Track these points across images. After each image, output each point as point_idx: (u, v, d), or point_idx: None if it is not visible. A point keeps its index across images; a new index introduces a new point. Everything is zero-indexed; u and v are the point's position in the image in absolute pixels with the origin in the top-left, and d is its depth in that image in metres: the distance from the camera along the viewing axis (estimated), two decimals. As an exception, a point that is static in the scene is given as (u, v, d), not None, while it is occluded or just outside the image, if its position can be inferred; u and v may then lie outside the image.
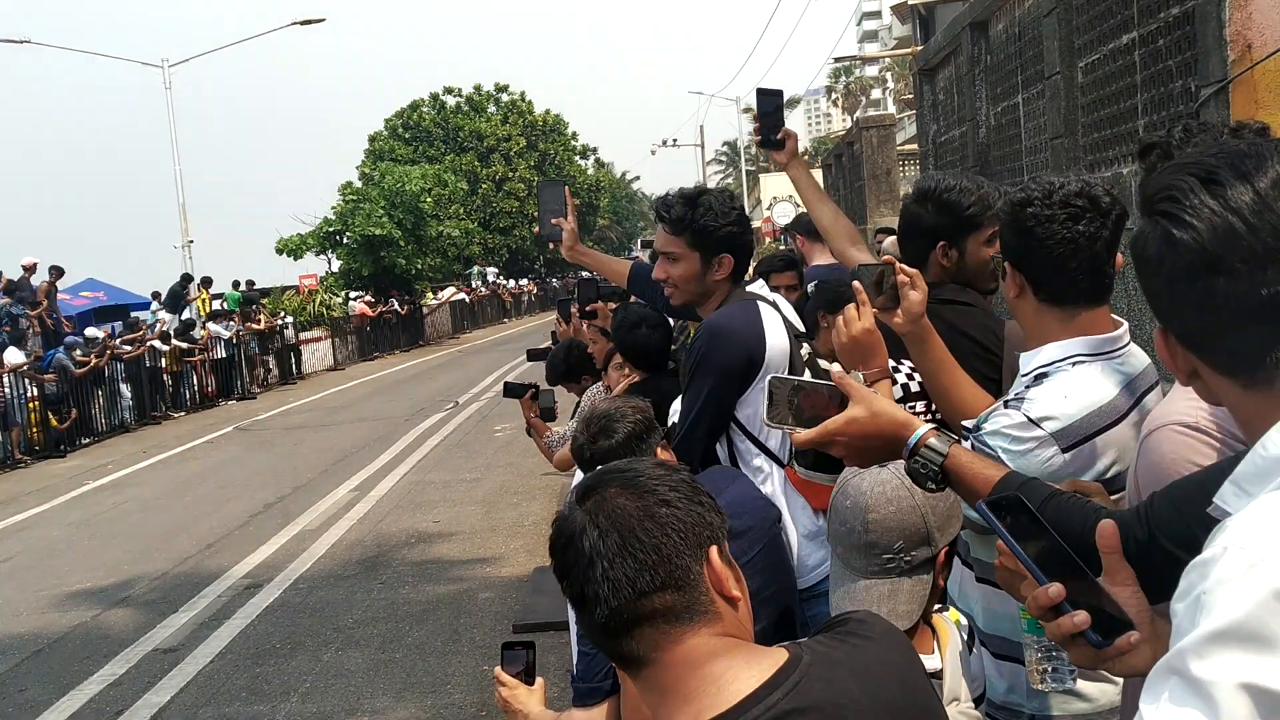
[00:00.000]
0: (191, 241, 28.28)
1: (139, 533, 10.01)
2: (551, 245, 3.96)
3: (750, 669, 1.31)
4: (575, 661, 2.71)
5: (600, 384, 5.13)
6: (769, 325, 3.00)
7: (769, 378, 1.87)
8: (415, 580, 7.75)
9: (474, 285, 41.69)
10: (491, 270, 46.33)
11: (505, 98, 55.14)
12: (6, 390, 15.03)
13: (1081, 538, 1.52)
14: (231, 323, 21.91)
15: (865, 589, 1.87)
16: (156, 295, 23.29)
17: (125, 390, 18.07)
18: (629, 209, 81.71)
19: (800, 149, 3.52)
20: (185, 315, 21.81)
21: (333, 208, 33.35)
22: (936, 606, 2.02)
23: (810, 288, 4.86)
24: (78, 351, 16.72)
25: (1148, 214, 1.19)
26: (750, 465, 2.98)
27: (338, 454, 13.32)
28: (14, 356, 15.50)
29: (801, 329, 3.25)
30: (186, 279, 23.67)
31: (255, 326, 22.60)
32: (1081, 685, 2.12)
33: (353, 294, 30.62)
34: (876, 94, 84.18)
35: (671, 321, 4.61)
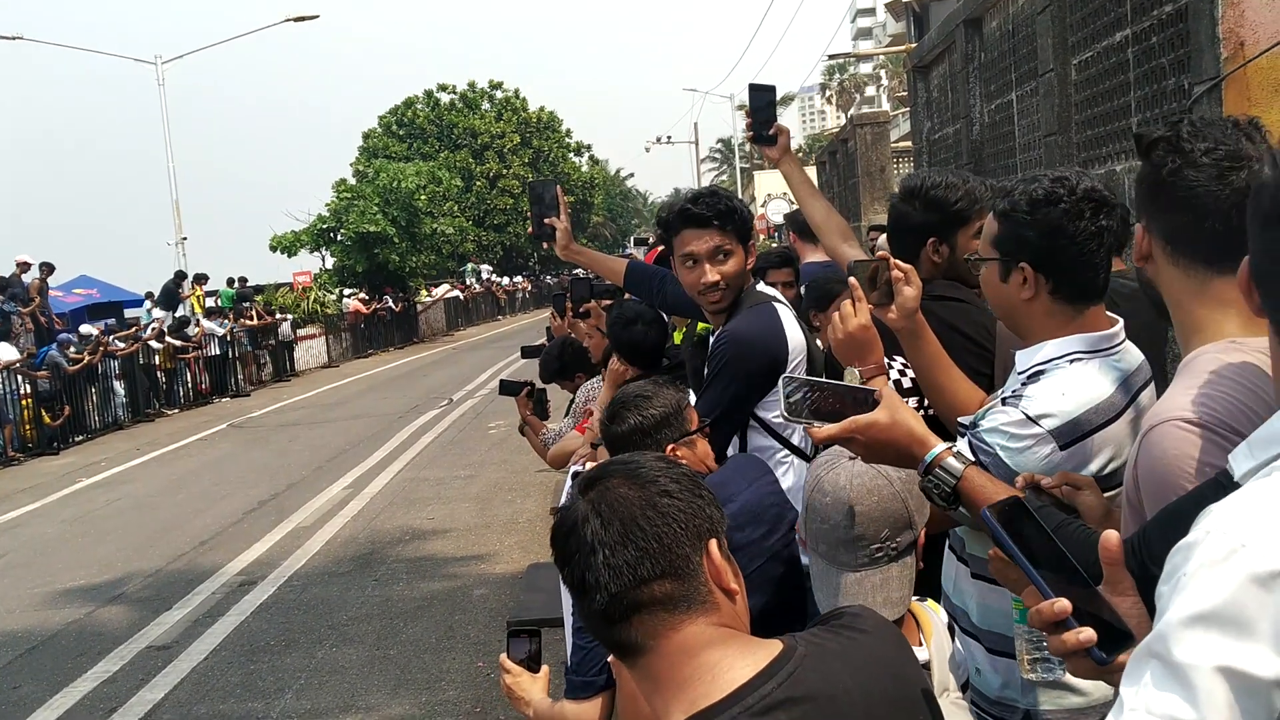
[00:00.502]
0: (185, 239, 28.22)
1: (132, 530, 9.99)
2: (545, 244, 3.95)
3: (745, 658, 1.33)
4: (570, 654, 2.71)
5: (595, 380, 5.13)
6: (788, 327, 3.04)
7: (783, 376, 1.89)
8: (409, 577, 7.75)
9: (468, 282, 41.65)
10: (485, 267, 46.31)
11: (499, 95, 55.11)
12: (-1, 387, 15.00)
13: (1083, 565, 1.56)
14: (226, 320, 21.87)
15: (857, 582, 1.87)
16: (150, 295, 23.23)
17: (119, 387, 18.04)
18: (623, 206, 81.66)
19: (794, 146, 3.52)
20: (179, 312, 21.76)
21: (327, 205, 33.32)
22: (914, 596, 2.03)
23: (803, 288, 4.87)
24: (71, 349, 16.69)
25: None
26: (770, 460, 2.97)
27: (332, 451, 13.31)
28: (7, 353, 15.46)
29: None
30: (180, 276, 23.62)
31: (249, 323, 22.55)
32: (1076, 679, 2.12)
33: (347, 291, 30.58)
34: (870, 91, 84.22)
35: (665, 318, 4.60)
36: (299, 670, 6.09)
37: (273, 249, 32.48)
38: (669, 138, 64.62)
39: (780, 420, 2.95)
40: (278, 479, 11.77)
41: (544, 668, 2.37)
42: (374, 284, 31.74)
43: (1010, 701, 2.19)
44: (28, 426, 15.52)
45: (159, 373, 19.45)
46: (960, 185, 2.75)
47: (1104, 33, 5.72)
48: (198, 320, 21.50)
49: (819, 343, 3.38)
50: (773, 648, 1.36)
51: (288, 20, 28.75)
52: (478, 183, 51.61)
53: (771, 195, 27.03)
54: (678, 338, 4.80)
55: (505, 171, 52.43)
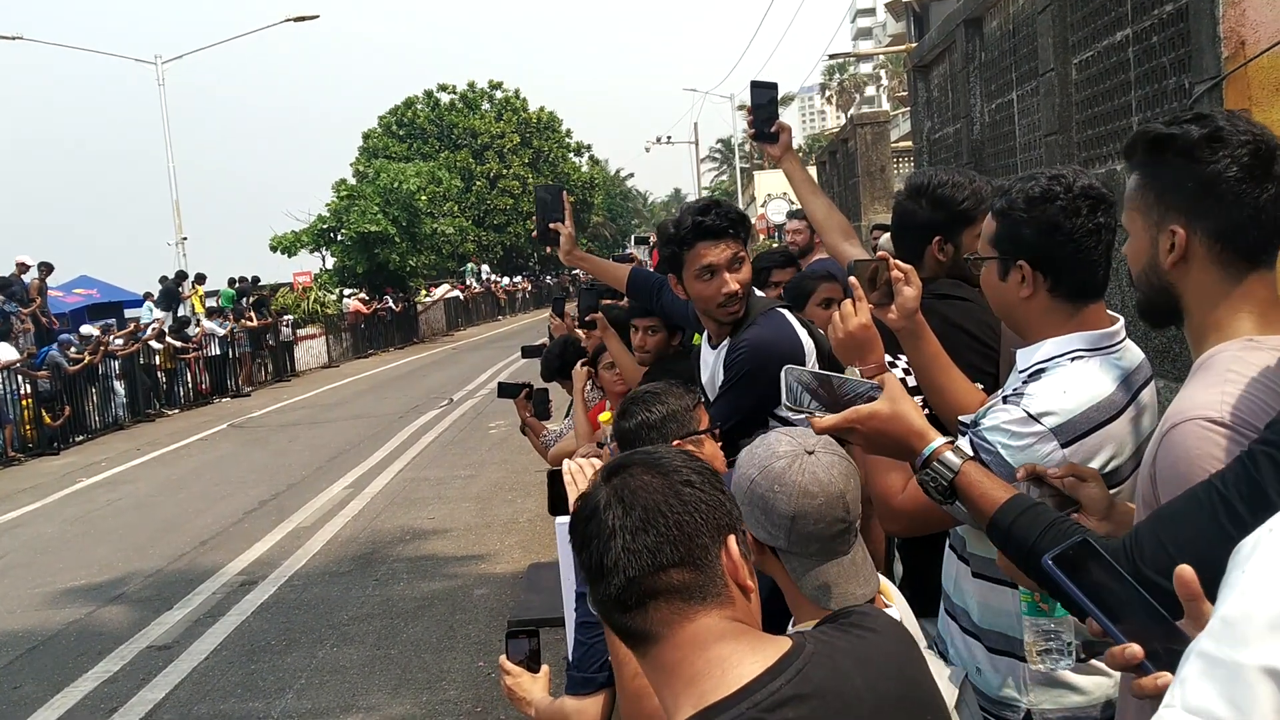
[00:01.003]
0: (185, 239, 28.23)
1: (133, 530, 9.99)
2: (549, 249, 3.96)
3: (755, 654, 1.33)
4: (571, 651, 2.71)
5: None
6: (801, 333, 3.07)
7: (786, 368, 1.89)
8: (410, 577, 7.75)
9: (468, 282, 41.65)
10: (485, 267, 46.30)
11: (499, 95, 55.11)
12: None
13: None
14: (226, 320, 21.87)
15: (851, 563, 1.86)
16: (150, 295, 23.24)
17: (119, 387, 18.04)
18: (623, 206, 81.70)
19: (794, 146, 3.52)
20: (180, 312, 21.77)
21: (327, 205, 33.34)
22: None
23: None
24: (72, 349, 16.69)
25: None
26: None
27: (332, 451, 13.31)
28: (7, 353, 15.46)
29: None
30: (181, 276, 23.62)
31: (250, 324, 22.56)
32: (1075, 678, 2.13)
33: (347, 291, 30.58)
34: (870, 91, 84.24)
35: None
36: (299, 670, 6.09)
37: (273, 249, 32.51)
38: (669, 138, 64.71)
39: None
40: (278, 479, 11.77)
41: (544, 667, 2.37)
42: (374, 284, 31.75)
43: (1011, 701, 2.19)
44: (28, 426, 15.52)
45: (159, 373, 19.45)
46: (967, 184, 2.75)
47: (1104, 32, 5.72)
48: (198, 320, 21.51)
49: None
50: (782, 644, 1.36)
51: (288, 20, 28.76)
52: (478, 183, 51.61)
53: (771, 195, 27.04)
54: (698, 340, 4.80)
55: (505, 172, 52.42)
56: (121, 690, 6.02)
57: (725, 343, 3.18)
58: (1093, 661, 2.09)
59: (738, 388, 3.03)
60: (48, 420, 15.78)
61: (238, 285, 25.39)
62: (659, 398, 2.57)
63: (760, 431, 2.06)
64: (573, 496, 2.08)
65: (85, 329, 17.95)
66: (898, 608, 1.90)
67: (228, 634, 6.80)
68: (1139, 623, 1.25)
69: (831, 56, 64.98)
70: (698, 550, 1.35)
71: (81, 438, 16.56)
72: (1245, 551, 1.02)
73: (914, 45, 15.46)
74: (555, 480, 2.16)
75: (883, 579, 1.99)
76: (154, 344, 19.09)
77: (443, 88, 54.34)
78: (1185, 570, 1.23)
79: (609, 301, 4.60)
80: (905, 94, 21.30)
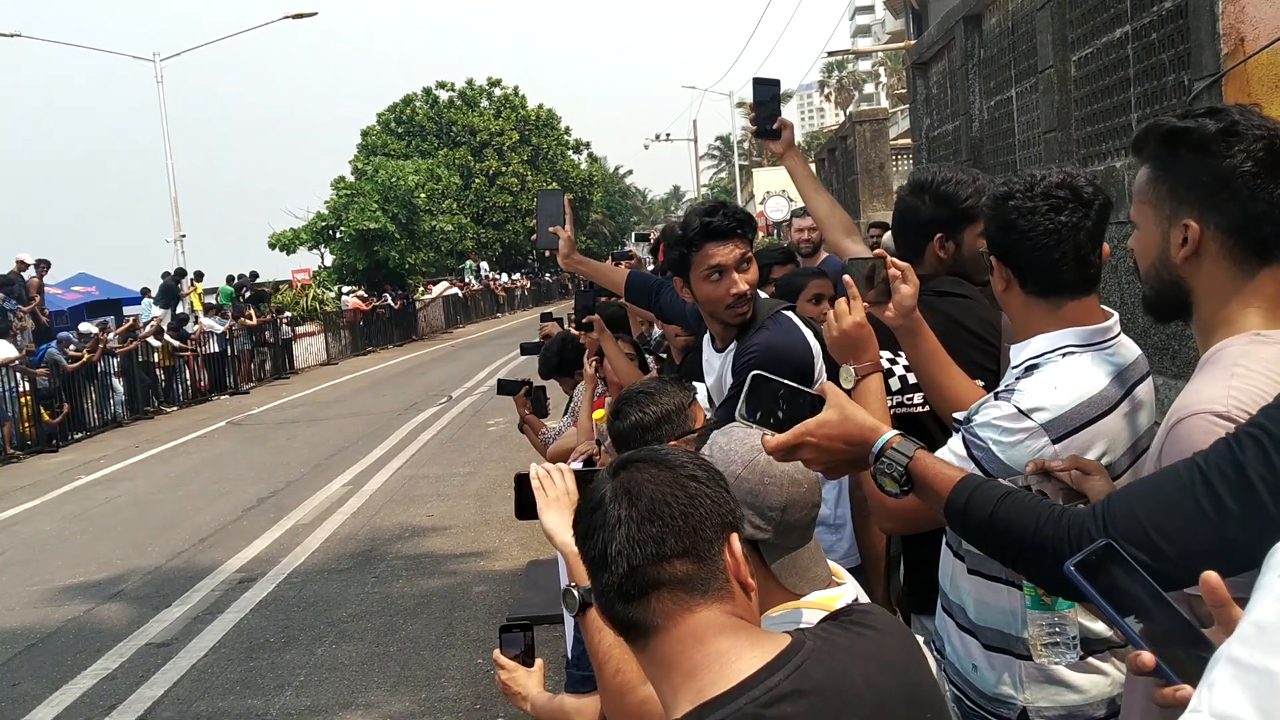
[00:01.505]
0: (184, 236, 28.22)
1: (132, 527, 9.99)
2: (548, 253, 3.97)
3: (754, 649, 1.33)
4: (570, 648, 2.71)
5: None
6: (808, 335, 3.07)
7: (754, 374, 1.87)
8: (409, 574, 7.75)
9: (467, 280, 41.64)
10: (484, 265, 46.29)
11: (498, 92, 55.08)
12: (-2, 385, 14.99)
13: (1036, 534, 1.54)
14: (224, 318, 21.87)
15: (811, 550, 1.88)
16: (146, 291, 23.22)
17: (118, 385, 18.04)
18: (622, 204, 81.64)
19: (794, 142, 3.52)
20: (179, 310, 21.76)
21: (326, 202, 33.33)
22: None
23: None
24: (71, 347, 16.69)
25: None
26: None
27: (331, 448, 13.31)
28: (5, 351, 15.45)
29: None
30: (180, 273, 23.61)
31: (249, 322, 22.55)
32: (1073, 676, 2.13)
33: (346, 289, 30.58)
34: (869, 88, 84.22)
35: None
36: (298, 667, 6.09)
37: (271, 246, 32.52)
38: (668, 135, 64.75)
39: None
40: (277, 476, 11.77)
41: (539, 661, 2.37)
42: (373, 281, 31.74)
43: (1007, 698, 2.19)
44: (27, 424, 15.52)
45: (158, 370, 19.45)
46: (970, 182, 2.75)
47: (1103, 29, 5.72)
48: (197, 318, 21.51)
49: None
50: (781, 640, 1.36)
51: (286, 17, 28.73)
52: (476, 180, 51.59)
53: (770, 192, 27.03)
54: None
55: (504, 169, 52.41)
56: (120, 688, 6.02)
57: (732, 346, 3.18)
58: (1090, 660, 2.09)
59: None
60: (46, 417, 15.78)
61: (236, 281, 25.38)
62: (653, 397, 2.57)
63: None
64: (540, 501, 2.08)
65: (84, 326, 17.94)
66: (849, 584, 1.91)
67: (226, 631, 6.80)
68: (1163, 628, 1.23)
69: (830, 54, 64.84)
70: (702, 543, 1.36)
71: (80, 435, 16.56)
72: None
73: (913, 42, 15.46)
74: (523, 484, 2.16)
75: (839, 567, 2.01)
76: (153, 341, 19.09)
77: (442, 85, 54.33)
78: (1212, 576, 1.21)
79: (604, 299, 4.61)
80: (904, 91, 21.29)
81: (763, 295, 3.30)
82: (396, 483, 10.95)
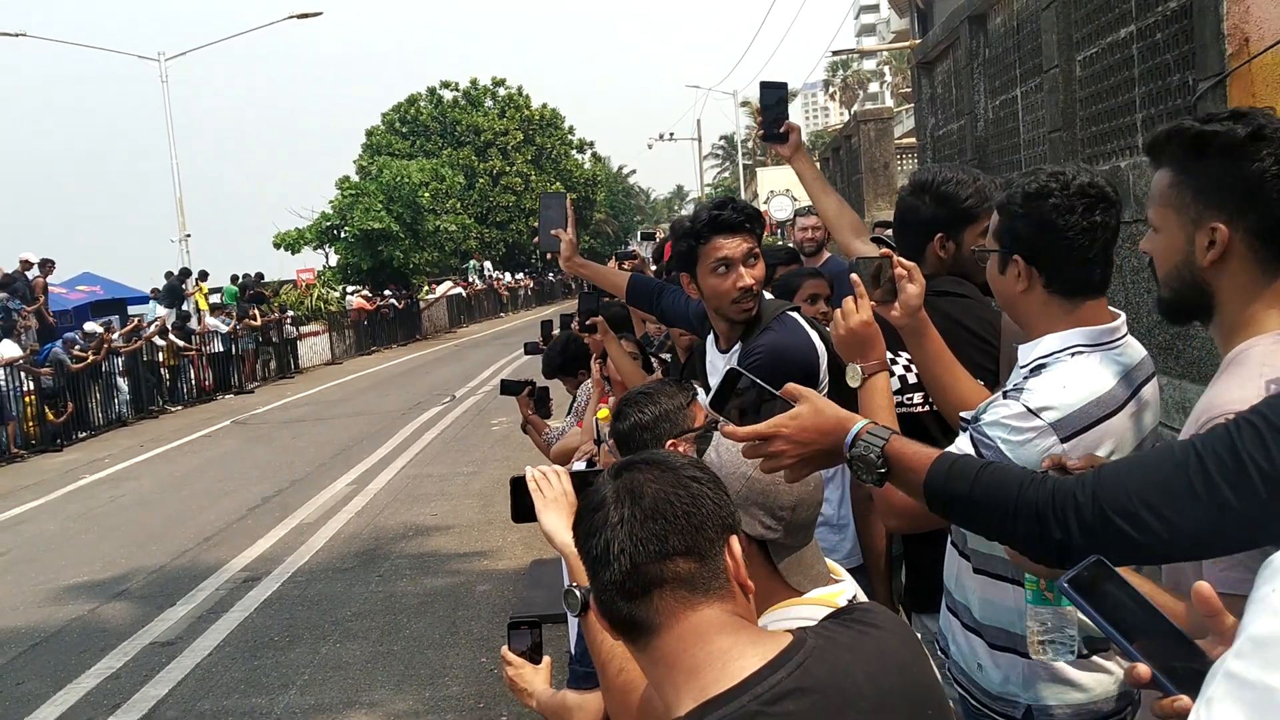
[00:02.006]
0: (189, 235, 28.24)
1: (136, 526, 10.01)
2: (550, 255, 3.99)
3: (756, 648, 1.34)
4: (573, 645, 2.71)
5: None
6: (814, 337, 3.07)
7: (729, 369, 1.87)
8: (413, 573, 7.76)
9: (471, 279, 41.66)
10: (488, 264, 46.31)
11: (502, 92, 55.09)
12: (2, 384, 15.01)
13: (1019, 498, 1.54)
14: (229, 318, 21.89)
15: (813, 547, 1.89)
16: (156, 292, 23.25)
17: (122, 384, 18.06)
18: (625, 203, 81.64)
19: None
20: (183, 309, 21.79)
21: (330, 202, 33.39)
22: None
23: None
24: (76, 347, 16.71)
25: None
26: None
27: (335, 448, 13.32)
28: (9, 350, 15.48)
29: None
30: (184, 273, 23.64)
31: (253, 324, 22.58)
32: (1077, 675, 2.13)
33: (350, 288, 30.61)
34: (874, 87, 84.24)
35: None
36: (303, 666, 6.10)
37: (276, 246, 32.57)
38: (671, 135, 64.67)
39: None
40: (281, 475, 11.78)
41: (545, 659, 2.38)
42: (377, 281, 31.76)
43: (1011, 697, 2.19)
44: (31, 423, 15.54)
45: (162, 370, 19.48)
46: (970, 182, 2.75)
47: (1108, 29, 5.71)
48: (202, 317, 21.53)
49: None
50: (782, 639, 1.37)
51: (291, 17, 28.75)
52: (480, 180, 51.61)
53: (774, 192, 26.99)
54: None
55: (508, 169, 52.43)
56: (124, 687, 6.03)
57: (737, 347, 3.18)
58: (1094, 658, 2.09)
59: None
60: (51, 417, 15.81)
61: (240, 281, 25.41)
62: (651, 398, 2.58)
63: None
64: (539, 503, 2.08)
65: (89, 326, 17.97)
66: (847, 581, 1.91)
67: (231, 630, 6.81)
68: (1158, 641, 1.23)
69: (835, 53, 64.82)
70: (704, 543, 1.36)
71: (85, 434, 16.59)
72: (1277, 565, 0.99)
73: (918, 42, 15.45)
74: (519, 488, 2.16)
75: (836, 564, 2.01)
76: (157, 341, 19.12)
77: (446, 85, 54.36)
78: (1204, 587, 1.21)
79: (607, 299, 4.61)
80: (909, 90, 21.28)
81: (767, 296, 3.30)
82: (400, 482, 10.96)
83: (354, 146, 56.14)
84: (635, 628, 1.37)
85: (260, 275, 26.64)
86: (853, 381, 2.30)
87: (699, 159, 72.04)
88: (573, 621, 2.93)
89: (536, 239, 4.26)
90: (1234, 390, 1.63)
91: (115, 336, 18.24)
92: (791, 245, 7.48)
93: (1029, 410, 1.98)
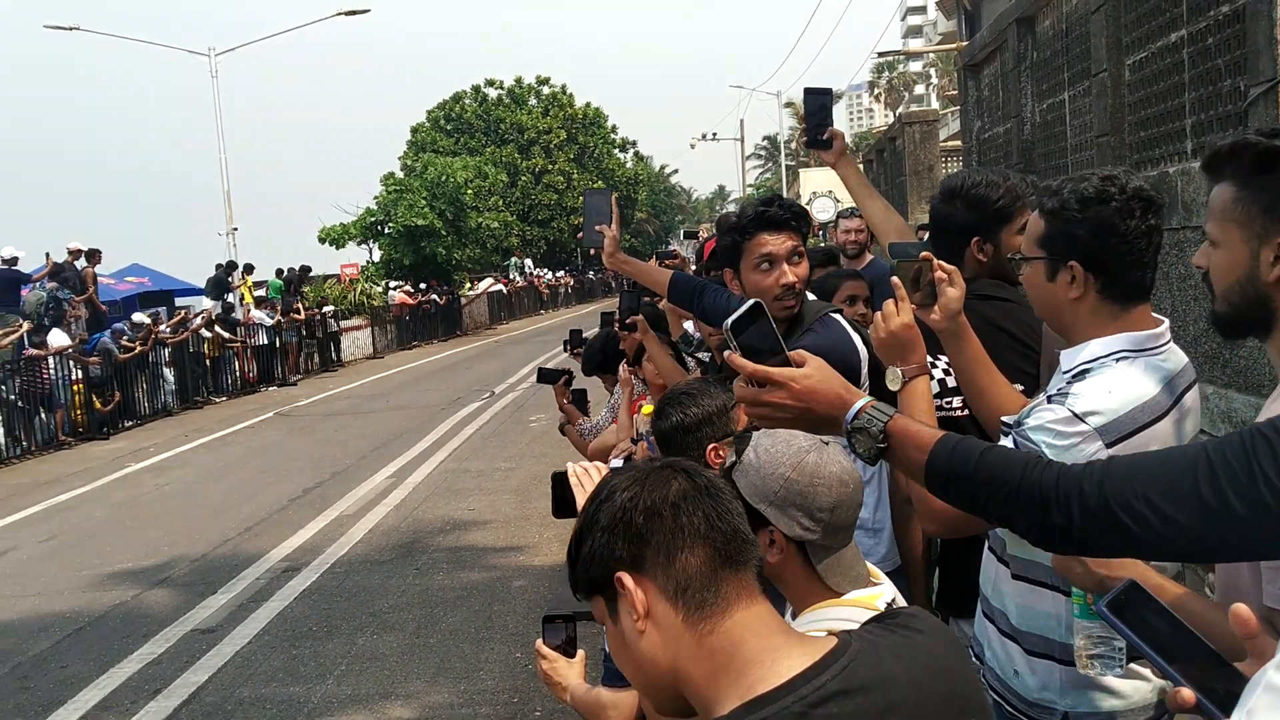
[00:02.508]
0: (235, 229, 28.59)
1: (180, 515, 10.15)
2: (592, 251, 3.99)
3: (802, 649, 1.34)
4: (608, 641, 2.71)
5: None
6: (856, 339, 3.06)
7: (755, 302, 1.84)
8: (449, 567, 7.81)
9: (511, 276, 41.84)
10: (529, 262, 46.49)
11: (546, 90, 55.29)
12: (51, 372, 15.28)
13: (1023, 479, 1.54)
14: (274, 311, 22.13)
15: (853, 549, 1.90)
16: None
17: (169, 374, 18.32)
18: (667, 203, 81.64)
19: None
20: (228, 300, 22.06)
21: (375, 198, 33.65)
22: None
23: None
24: (124, 338, 16.97)
25: None
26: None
27: (375, 441, 13.44)
28: (59, 339, 15.74)
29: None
30: (231, 266, 23.92)
31: (297, 317, 22.82)
32: (1115, 682, 2.11)
33: (393, 283, 30.85)
34: (920, 89, 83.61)
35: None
36: (340, 656, 6.16)
37: (321, 241, 32.86)
38: (714, 134, 64.58)
39: None
40: (322, 468, 11.90)
41: (580, 653, 2.39)
42: (419, 277, 31.97)
43: (1048, 703, 2.17)
44: (79, 411, 15.80)
45: (207, 361, 19.73)
46: (1001, 183, 2.74)
47: (1159, 33, 5.64)
48: (247, 310, 21.79)
49: None
50: (827, 641, 1.37)
51: (339, 14, 29.01)
52: (523, 178, 51.83)
53: (817, 193, 26.88)
54: None
55: (550, 167, 52.60)
56: (165, 672, 6.12)
57: None
58: (1132, 666, 2.08)
59: None
60: (98, 405, 16.06)
61: (285, 275, 25.66)
62: (695, 399, 2.58)
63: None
64: (580, 499, 2.08)
65: (137, 316, 18.25)
66: (885, 584, 1.91)
67: (270, 619, 6.89)
68: (1196, 664, 1.23)
69: (881, 54, 64.48)
70: (752, 544, 1.39)
71: (131, 423, 16.84)
72: None
73: (965, 44, 15.33)
74: (560, 483, 2.16)
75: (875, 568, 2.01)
76: (204, 333, 19.38)
77: (490, 83, 54.63)
78: (1241, 609, 1.20)
79: (648, 299, 4.63)
80: (955, 93, 21.11)
81: (810, 297, 3.29)
82: (439, 476, 11.04)
83: (399, 143, 56.59)
84: (706, 603, 1.34)
85: (307, 269, 26.89)
86: (893, 385, 2.29)
87: (741, 159, 71.96)
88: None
89: (579, 234, 4.27)
90: None
91: (163, 327, 18.50)
92: (833, 246, 7.46)
93: (1074, 415, 1.97)
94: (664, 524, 1.34)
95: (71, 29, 27.57)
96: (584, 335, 6.32)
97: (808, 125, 3.43)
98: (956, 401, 2.71)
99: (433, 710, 5.39)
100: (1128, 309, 2.06)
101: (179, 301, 24.28)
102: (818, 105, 3.43)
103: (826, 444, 1.89)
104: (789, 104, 59.74)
